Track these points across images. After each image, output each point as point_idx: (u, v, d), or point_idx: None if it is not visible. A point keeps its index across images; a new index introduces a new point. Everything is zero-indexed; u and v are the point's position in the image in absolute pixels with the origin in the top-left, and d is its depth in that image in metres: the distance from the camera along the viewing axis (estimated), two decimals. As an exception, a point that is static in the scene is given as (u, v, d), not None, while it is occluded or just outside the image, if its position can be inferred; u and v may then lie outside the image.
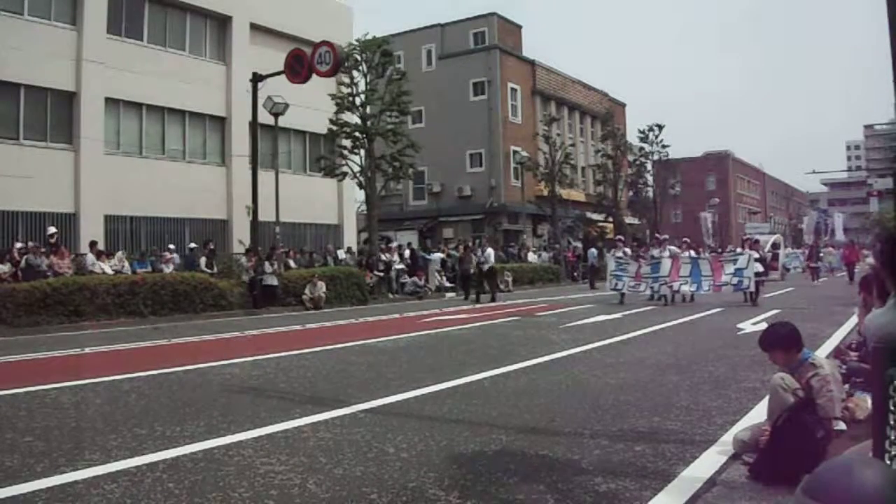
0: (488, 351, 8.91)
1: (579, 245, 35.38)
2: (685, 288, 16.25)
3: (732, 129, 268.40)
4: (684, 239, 20.00)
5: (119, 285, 14.43)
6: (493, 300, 19.24)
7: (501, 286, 25.02)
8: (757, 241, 18.13)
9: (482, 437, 4.42)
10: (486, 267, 19.92)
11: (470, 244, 24.65)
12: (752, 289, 15.54)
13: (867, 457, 2.14)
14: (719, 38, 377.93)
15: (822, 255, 27.93)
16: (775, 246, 28.49)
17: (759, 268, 16.23)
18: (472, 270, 20.82)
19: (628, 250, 19.24)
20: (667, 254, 17.18)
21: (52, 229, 16.99)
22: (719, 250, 32.82)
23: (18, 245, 15.79)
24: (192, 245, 19.98)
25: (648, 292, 16.89)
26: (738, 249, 17.62)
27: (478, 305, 17.92)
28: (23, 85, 18.49)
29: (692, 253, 18.06)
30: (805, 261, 30.17)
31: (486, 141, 37.35)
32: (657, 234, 19.29)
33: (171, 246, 19.66)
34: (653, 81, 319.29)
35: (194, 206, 22.11)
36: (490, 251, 20.42)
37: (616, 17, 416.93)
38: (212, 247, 19.48)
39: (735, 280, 15.59)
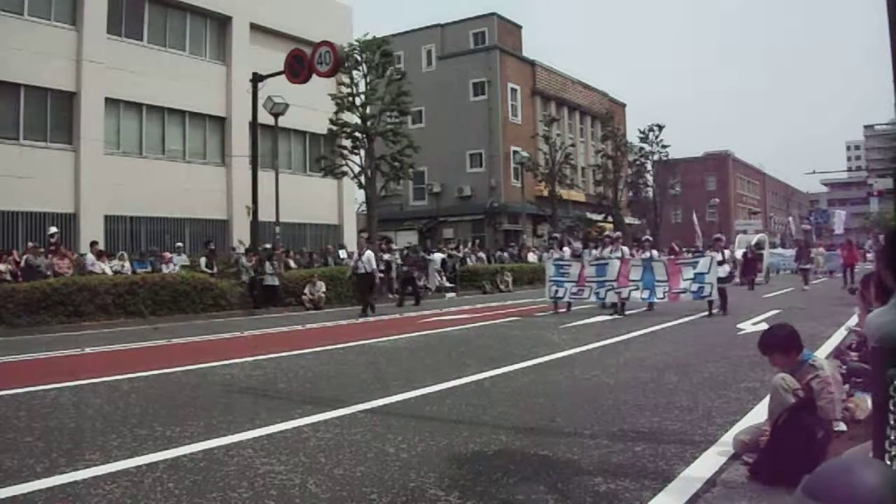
0: (488, 351, 8.91)
1: (579, 245, 35.33)
2: (635, 294, 13.77)
3: (732, 129, 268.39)
4: (644, 238, 17.20)
5: (119, 285, 14.43)
6: (364, 313, 15.23)
7: (502, 286, 25.02)
8: (719, 239, 14.88)
9: (482, 437, 4.42)
10: (361, 271, 15.83)
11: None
12: (715, 297, 13.18)
13: (867, 457, 2.14)
14: (719, 38, 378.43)
15: (813, 255, 25.89)
16: (759, 245, 26.10)
17: (724, 271, 13.82)
18: (411, 272, 18.83)
19: (568, 250, 16.88)
20: (618, 254, 14.54)
21: (52, 229, 16.99)
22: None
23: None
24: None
25: (593, 298, 14.29)
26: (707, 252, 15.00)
27: (360, 320, 14.20)
28: (23, 85, 18.52)
29: (654, 254, 15.47)
30: (794, 262, 26.80)
31: (486, 141, 37.36)
32: (609, 233, 16.24)
33: (180, 244, 19.62)
34: (653, 81, 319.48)
35: (194, 206, 22.13)
36: (369, 254, 16.11)
37: (616, 18, 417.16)
38: (212, 247, 19.49)
39: (695, 287, 13.26)
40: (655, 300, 13.87)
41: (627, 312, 13.71)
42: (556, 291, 14.66)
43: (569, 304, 14.81)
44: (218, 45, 23.80)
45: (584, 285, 14.29)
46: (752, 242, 27.04)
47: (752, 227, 47.61)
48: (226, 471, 3.77)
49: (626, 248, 15.22)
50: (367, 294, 15.83)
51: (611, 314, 13.55)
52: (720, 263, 13.57)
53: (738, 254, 27.82)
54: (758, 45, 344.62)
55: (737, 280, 15.50)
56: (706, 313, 12.99)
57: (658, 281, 13.63)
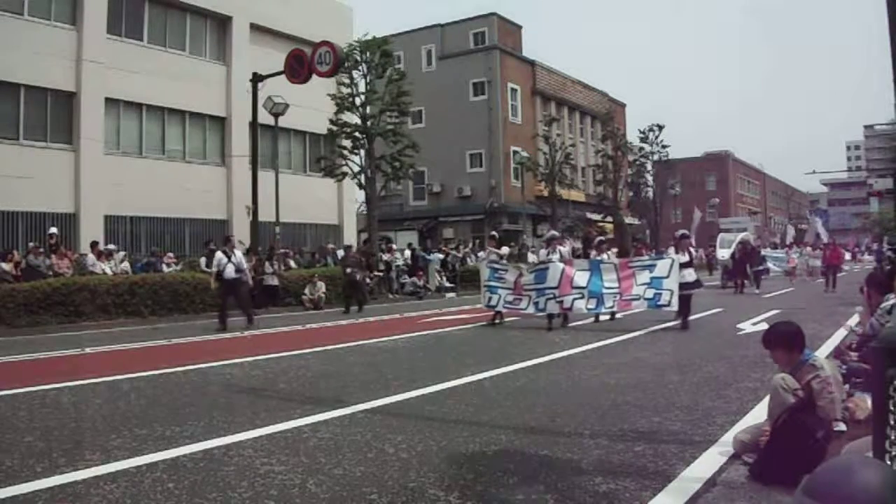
0: (488, 351, 8.92)
1: (579, 245, 35.36)
2: (580, 304, 11.43)
3: (732, 129, 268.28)
4: (598, 237, 14.80)
5: (119, 285, 14.43)
6: (249, 322, 12.84)
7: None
8: (685, 237, 12.13)
9: (482, 437, 4.42)
10: (231, 275, 12.71)
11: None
12: (675, 306, 10.90)
13: (867, 457, 2.14)
14: (719, 38, 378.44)
15: (764, 255, 22.69)
16: (744, 245, 23.30)
17: (690, 276, 11.39)
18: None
19: (507, 249, 14.12)
20: (556, 256, 12.15)
21: (52, 230, 16.96)
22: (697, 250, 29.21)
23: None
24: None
25: (531, 310, 11.82)
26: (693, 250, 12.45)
27: (217, 337, 11.45)
28: (23, 85, 18.49)
29: (611, 256, 13.38)
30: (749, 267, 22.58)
31: (486, 141, 37.35)
32: (553, 233, 13.97)
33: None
34: (653, 81, 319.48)
35: (194, 206, 22.11)
36: (239, 255, 13.12)
37: (616, 18, 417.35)
38: (212, 247, 19.47)
39: (650, 293, 11.06)
40: (604, 310, 11.73)
41: (632, 312, 12.23)
42: (490, 299, 12.33)
43: (500, 315, 12.38)
44: (218, 45, 23.78)
45: (521, 294, 11.94)
46: (737, 241, 24.69)
47: (736, 225, 45.87)
48: (226, 471, 3.77)
49: (564, 249, 12.97)
50: (246, 302, 13.09)
51: (547, 329, 11.23)
52: (685, 266, 11.26)
53: (722, 254, 26.77)
54: (758, 45, 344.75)
55: (700, 283, 12.18)
56: (676, 322, 11.08)
57: (607, 288, 11.41)
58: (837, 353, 6.48)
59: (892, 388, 2.03)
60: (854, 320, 8.45)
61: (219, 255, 13.01)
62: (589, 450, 4.08)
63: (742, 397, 5.50)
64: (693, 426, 4.63)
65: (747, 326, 10.93)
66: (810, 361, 3.79)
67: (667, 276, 10.99)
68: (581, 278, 11.53)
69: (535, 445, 4.22)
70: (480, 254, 15.63)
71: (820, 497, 1.28)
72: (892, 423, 2.01)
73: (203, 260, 18.48)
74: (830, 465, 1.40)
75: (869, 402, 3.82)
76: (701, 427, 4.60)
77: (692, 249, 12.15)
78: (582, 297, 11.44)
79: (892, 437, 2.01)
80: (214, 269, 13.02)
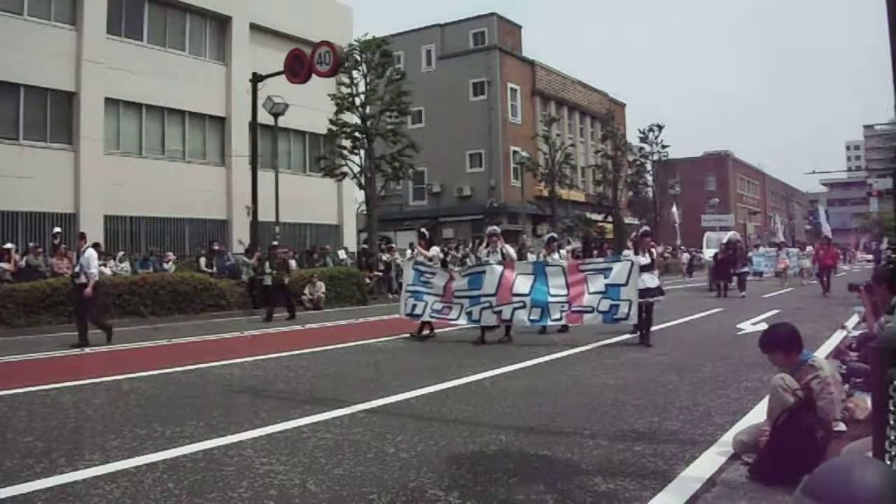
0: (488, 351, 8.92)
1: (579, 245, 35.36)
2: (521, 315, 9.61)
3: (732, 129, 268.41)
4: (550, 235, 12.92)
5: (119, 285, 14.42)
6: (108, 338, 10.42)
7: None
8: (646, 234, 10.18)
9: (482, 437, 4.43)
10: (82, 280, 10.42)
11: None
12: (635, 318, 9.11)
13: (867, 457, 2.14)
14: (720, 38, 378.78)
15: (750, 255, 21.50)
16: (730, 245, 21.87)
17: (651, 281, 9.41)
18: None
19: (436, 249, 12.27)
20: (497, 258, 10.20)
21: (56, 230, 16.95)
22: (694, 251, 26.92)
23: (9, 245, 15.35)
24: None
25: (463, 321, 10.04)
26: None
27: (77, 351, 9.70)
28: (23, 85, 18.49)
29: (559, 256, 11.37)
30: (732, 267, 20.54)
31: (486, 141, 37.35)
32: (488, 228, 11.69)
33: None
34: (653, 81, 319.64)
35: (194, 206, 22.11)
36: (91, 253, 10.64)
37: (616, 18, 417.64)
38: (215, 247, 19.47)
39: (605, 304, 9.24)
40: (550, 322, 9.90)
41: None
42: (414, 307, 10.31)
43: (431, 326, 10.51)
44: (218, 45, 23.78)
45: (451, 301, 10.08)
46: (725, 241, 23.85)
47: (720, 223, 44.71)
48: (226, 471, 3.77)
49: (510, 249, 10.95)
50: (96, 310, 10.78)
51: (506, 340, 9.81)
52: (646, 269, 9.42)
53: (708, 255, 26.28)
54: (758, 45, 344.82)
55: (661, 291, 10.01)
56: (633, 335, 9.50)
57: (553, 296, 9.56)
58: (837, 353, 6.48)
59: (892, 388, 2.04)
60: (852, 321, 8.46)
61: (74, 256, 10.92)
62: (589, 450, 4.08)
63: (742, 397, 5.51)
64: (693, 426, 4.64)
65: (747, 326, 10.94)
66: (809, 361, 3.79)
67: (625, 284, 9.20)
68: (523, 284, 9.72)
69: (535, 445, 4.22)
70: (407, 254, 13.63)
71: (820, 497, 1.28)
72: (892, 423, 2.01)
73: (203, 260, 18.50)
74: (830, 465, 1.40)
75: (869, 402, 3.83)
76: (701, 427, 4.60)
77: (654, 250, 10.17)
78: (523, 307, 9.64)
79: (892, 437, 2.01)
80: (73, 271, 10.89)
